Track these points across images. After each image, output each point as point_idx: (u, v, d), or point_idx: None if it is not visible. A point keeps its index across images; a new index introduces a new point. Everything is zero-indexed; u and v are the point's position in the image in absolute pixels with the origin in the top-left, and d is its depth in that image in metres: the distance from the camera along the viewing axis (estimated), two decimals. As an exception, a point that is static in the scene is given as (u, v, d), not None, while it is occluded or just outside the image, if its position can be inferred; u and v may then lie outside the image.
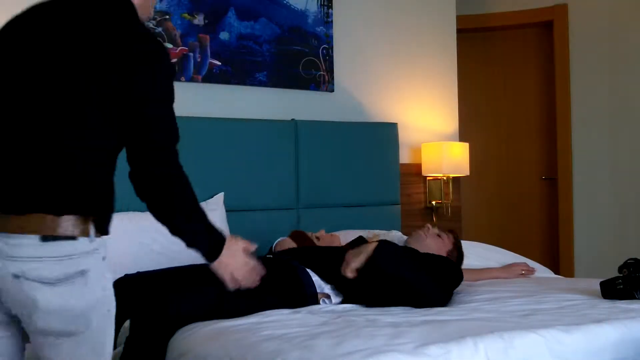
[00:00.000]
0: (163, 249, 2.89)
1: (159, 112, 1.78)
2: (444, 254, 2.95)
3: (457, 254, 3.07)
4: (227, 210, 3.45)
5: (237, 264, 1.88)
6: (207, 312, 2.22)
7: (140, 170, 1.74)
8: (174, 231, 1.84)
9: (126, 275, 2.51)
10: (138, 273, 2.56)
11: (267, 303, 2.31)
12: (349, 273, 2.40)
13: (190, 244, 1.84)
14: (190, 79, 3.62)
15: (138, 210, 3.23)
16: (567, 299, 2.37)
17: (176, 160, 1.78)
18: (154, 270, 2.57)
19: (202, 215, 1.83)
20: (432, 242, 2.99)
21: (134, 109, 1.70)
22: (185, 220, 1.82)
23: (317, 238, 3.08)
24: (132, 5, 1.77)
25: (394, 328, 1.85)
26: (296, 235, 3.11)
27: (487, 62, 5.21)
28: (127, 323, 2.30)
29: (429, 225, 3.09)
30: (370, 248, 2.45)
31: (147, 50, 1.73)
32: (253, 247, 1.96)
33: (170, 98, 1.83)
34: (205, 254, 1.86)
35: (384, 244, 2.51)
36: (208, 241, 1.84)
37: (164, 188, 1.76)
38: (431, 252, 2.86)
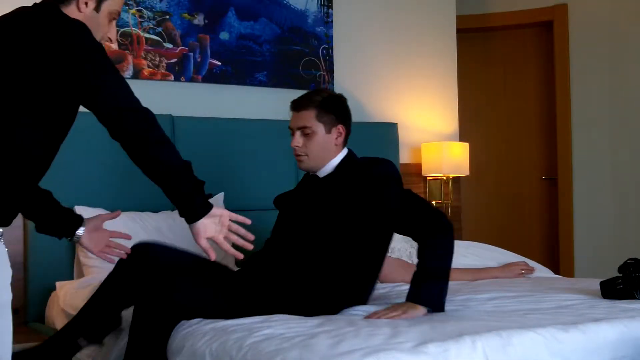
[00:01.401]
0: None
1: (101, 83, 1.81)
2: (339, 144, 2.48)
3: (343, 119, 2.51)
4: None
5: (214, 230, 1.94)
6: (214, 306, 2.16)
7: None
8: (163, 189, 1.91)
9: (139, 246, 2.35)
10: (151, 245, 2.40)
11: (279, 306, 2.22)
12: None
13: (175, 202, 1.93)
14: (190, 79, 3.62)
15: (150, 211, 3.25)
16: (566, 298, 2.37)
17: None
18: (167, 247, 2.44)
19: (190, 177, 1.92)
20: (320, 149, 2.45)
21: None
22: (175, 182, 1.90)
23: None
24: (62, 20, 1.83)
25: (393, 328, 1.85)
26: None
27: (487, 62, 5.21)
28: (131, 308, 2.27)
29: (295, 147, 2.49)
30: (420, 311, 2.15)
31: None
32: (246, 220, 2.05)
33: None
34: (187, 215, 1.94)
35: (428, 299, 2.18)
36: (194, 204, 1.94)
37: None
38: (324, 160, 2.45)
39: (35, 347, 2.30)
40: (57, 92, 1.77)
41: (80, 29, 1.78)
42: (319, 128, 2.45)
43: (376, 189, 2.35)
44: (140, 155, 1.82)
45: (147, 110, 1.83)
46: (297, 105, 2.50)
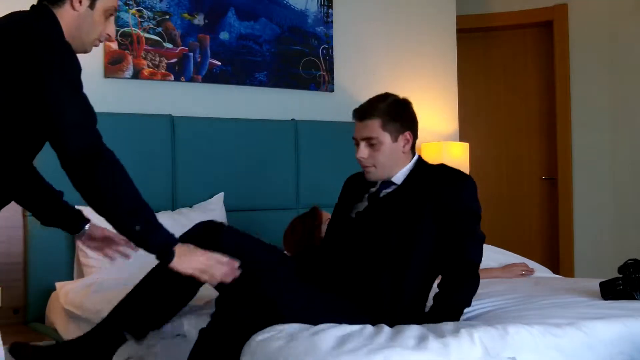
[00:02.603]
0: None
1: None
2: (407, 151, 2.35)
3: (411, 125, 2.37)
4: (227, 210, 3.45)
5: (199, 259, 1.93)
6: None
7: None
8: (119, 230, 1.89)
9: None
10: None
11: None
12: None
13: (138, 243, 1.88)
14: (190, 79, 3.62)
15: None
16: (566, 298, 2.37)
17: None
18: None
19: (147, 213, 1.87)
20: (390, 162, 2.32)
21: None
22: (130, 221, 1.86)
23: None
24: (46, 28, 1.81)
25: (394, 327, 1.88)
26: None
27: (487, 62, 5.21)
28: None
29: (360, 159, 2.34)
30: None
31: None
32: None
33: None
34: (157, 254, 1.90)
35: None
36: (158, 240, 1.88)
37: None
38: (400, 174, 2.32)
39: (78, 338, 2.24)
40: (27, 105, 1.78)
41: (62, 54, 1.77)
42: (386, 138, 2.29)
43: (454, 216, 2.21)
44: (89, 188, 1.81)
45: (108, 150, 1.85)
46: (360, 115, 2.33)
